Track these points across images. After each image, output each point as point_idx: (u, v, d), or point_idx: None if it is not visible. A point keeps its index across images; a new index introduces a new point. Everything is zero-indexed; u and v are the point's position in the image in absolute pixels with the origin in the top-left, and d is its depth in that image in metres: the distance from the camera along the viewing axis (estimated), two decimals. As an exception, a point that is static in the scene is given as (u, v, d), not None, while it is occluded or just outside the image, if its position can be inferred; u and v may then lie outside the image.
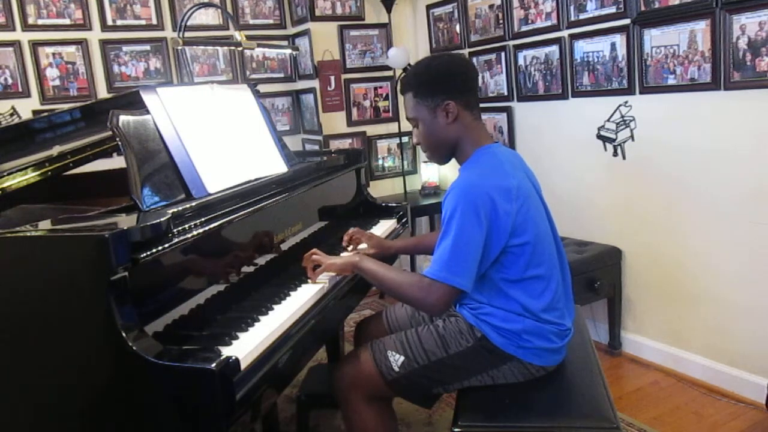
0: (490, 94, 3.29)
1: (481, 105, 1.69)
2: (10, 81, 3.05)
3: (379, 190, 3.77)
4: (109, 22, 3.23)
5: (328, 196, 2.17)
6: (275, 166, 1.86)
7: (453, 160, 1.65)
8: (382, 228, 2.25)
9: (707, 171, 2.34)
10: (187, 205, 1.39)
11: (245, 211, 1.54)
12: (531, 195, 1.53)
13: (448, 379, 1.58)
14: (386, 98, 3.80)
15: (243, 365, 1.16)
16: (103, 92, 3.25)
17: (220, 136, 1.70)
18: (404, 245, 2.08)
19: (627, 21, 2.50)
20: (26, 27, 3.05)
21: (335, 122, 3.65)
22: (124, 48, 3.28)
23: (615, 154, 2.70)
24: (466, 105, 1.56)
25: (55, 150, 1.67)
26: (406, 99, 1.62)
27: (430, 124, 1.58)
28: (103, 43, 3.22)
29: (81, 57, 3.17)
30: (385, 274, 1.57)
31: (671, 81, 2.39)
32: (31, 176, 1.62)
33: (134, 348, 1.08)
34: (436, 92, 1.55)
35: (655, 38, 2.42)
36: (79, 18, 3.16)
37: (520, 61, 3.08)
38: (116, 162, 1.79)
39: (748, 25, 2.11)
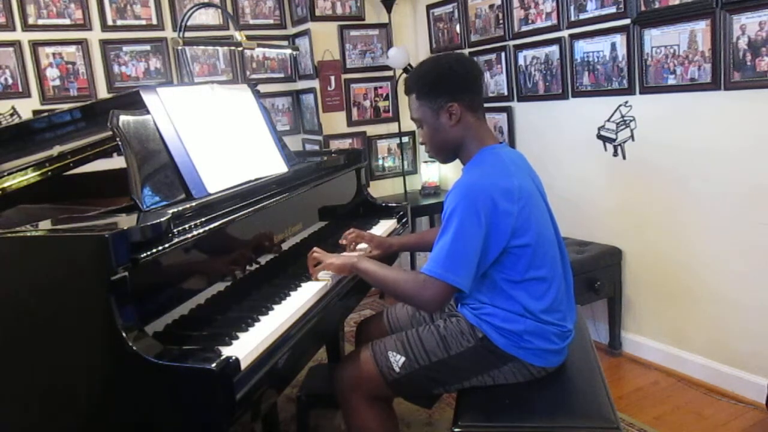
0: (490, 94, 3.28)
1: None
2: (10, 81, 3.04)
3: (380, 190, 3.77)
4: (109, 22, 3.23)
5: (329, 196, 2.17)
6: (275, 166, 1.86)
7: (456, 160, 1.65)
8: (383, 228, 2.25)
9: (707, 171, 2.34)
10: (187, 205, 1.39)
11: (245, 211, 1.54)
12: (533, 196, 1.53)
13: (449, 379, 1.57)
14: (386, 98, 3.80)
15: (243, 365, 1.16)
16: (103, 92, 3.25)
17: (221, 136, 1.70)
18: (406, 242, 2.07)
19: (627, 21, 2.50)
20: (26, 27, 3.05)
21: (335, 122, 3.65)
22: (125, 48, 3.28)
23: (615, 154, 2.70)
24: (469, 106, 1.56)
25: (55, 150, 1.67)
26: (410, 100, 1.62)
27: (433, 126, 1.58)
28: (103, 43, 3.22)
29: (81, 57, 3.17)
30: (383, 273, 1.57)
31: (671, 81, 2.39)
32: (31, 176, 1.62)
33: (134, 348, 1.08)
34: (439, 94, 1.54)
35: (655, 38, 2.42)
36: (79, 18, 3.15)
37: (520, 61, 3.08)
38: (116, 162, 1.78)
39: (748, 25, 2.11)
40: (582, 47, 2.73)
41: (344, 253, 1.82)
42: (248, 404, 1.16)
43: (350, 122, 3.71)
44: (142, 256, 1.16)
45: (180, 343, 1.19)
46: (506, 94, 3.20)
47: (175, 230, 1.27)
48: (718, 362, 2.44)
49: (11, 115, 2.84)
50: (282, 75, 3.76)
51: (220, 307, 1.41)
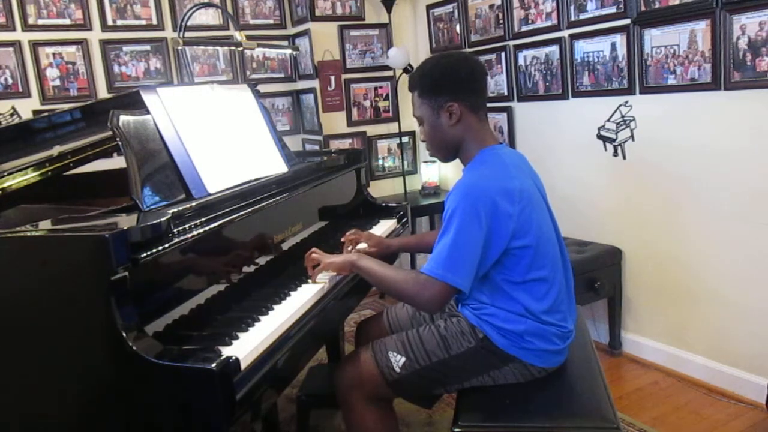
0: (491, 94, 3.28)
1: (482, 105, 1.68)
2: (10, 81, 3.04)
3: (380, 190, 3.77)
4: (110, 22, 3.23)
5: (329, 196, 2.17)
6: (275, 166, 1.87)
7: (456, 160, 1.65)
8: (383, 228, 2.25)
9: (707, 171, 2.34)
10: (187, 205, 1.39)
11: (245, 211, 1.54)
12: (534, 197, 1.52)
13: (450, 379, 1.57)
14: (386, 98, 3.80)
15: (243, 365, 1.16)
16: (103, 92, 3.25)
17: (221, 136, 1.70)
18: (405, 243, 2.07)
19: (627, 21, 2.50)
20: (26, 27, 3.05)
21: (335, 122, 3.65)
22: (125, 48, 3.28)
23: (615, 154, 2.70)
24: (470, 107, 1.56)
25: (56, 150, 1.67)
26: (413, 97, 1.62)
27: (433, 124, 1.58)
28: (104, 43, 3.22)
29: (81, 57, 3.17)
30: (382, 271, 1.57)
31: (671, 81, 2.39)
32: (31, 176, 1.62)
33: (134, 348, 1.08)
34: (440, 93, 1.55)
35: (656, 38, 2.42)
36: (80, 18, 3.15)
37: (520, 61, 3.08)
38: (116, 162, 1.79)
39: (748, 25, 2.11)
40: (582, 47, 2.73)
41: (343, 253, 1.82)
42: (248, 404, 1.16)
43: (350, 122, 3.71)
44: (142, 256, 1.16)
45: (180, 343, 1.19)
46: (506, 94, 3.20)
47: (175, 230, 1.27)
48: (718, 362, 2.43)
49: (11, 115, 2.84)
50: (282, 75, 3.76)
51: (220, 307, 1.41)
